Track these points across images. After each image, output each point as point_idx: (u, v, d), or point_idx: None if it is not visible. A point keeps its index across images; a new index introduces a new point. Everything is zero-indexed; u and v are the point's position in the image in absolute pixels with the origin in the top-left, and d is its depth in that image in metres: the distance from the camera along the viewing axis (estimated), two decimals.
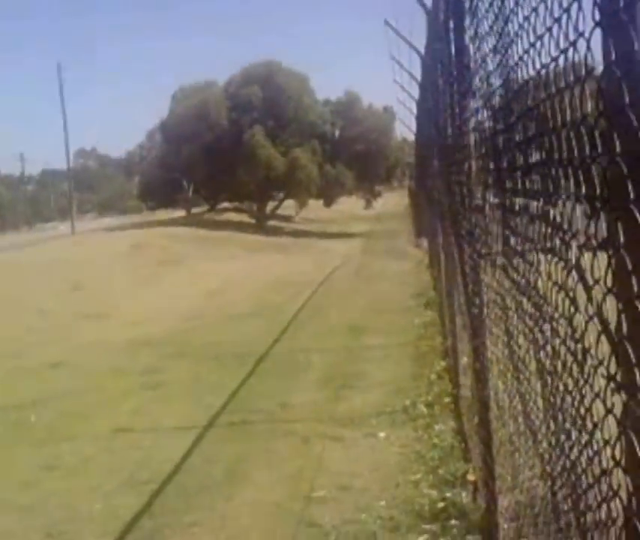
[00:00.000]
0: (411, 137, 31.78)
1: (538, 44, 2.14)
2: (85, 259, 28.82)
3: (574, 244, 1.89)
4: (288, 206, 57.39)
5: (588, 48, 1.63)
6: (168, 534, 5.88)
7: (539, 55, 2.15)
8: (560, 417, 2.26)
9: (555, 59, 1.94)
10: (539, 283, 2.41)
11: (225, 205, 56.48)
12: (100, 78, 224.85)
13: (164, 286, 23.17)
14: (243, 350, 12.33)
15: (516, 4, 2.50)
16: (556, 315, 2.16)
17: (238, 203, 54.90)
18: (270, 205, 54.01)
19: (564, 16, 1.78)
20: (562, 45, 1.84)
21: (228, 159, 46.18)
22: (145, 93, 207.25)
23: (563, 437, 2.25)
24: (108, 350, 13.61)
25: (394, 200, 67.15)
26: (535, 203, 2.51)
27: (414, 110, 19.84)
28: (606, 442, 1.69)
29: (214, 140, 47.01)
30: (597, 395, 1.72)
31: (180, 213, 58.34)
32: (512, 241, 3.05)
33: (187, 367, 11.62)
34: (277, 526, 5.86)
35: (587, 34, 1.63)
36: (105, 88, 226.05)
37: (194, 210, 58.88)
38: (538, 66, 2.18)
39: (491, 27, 3.21)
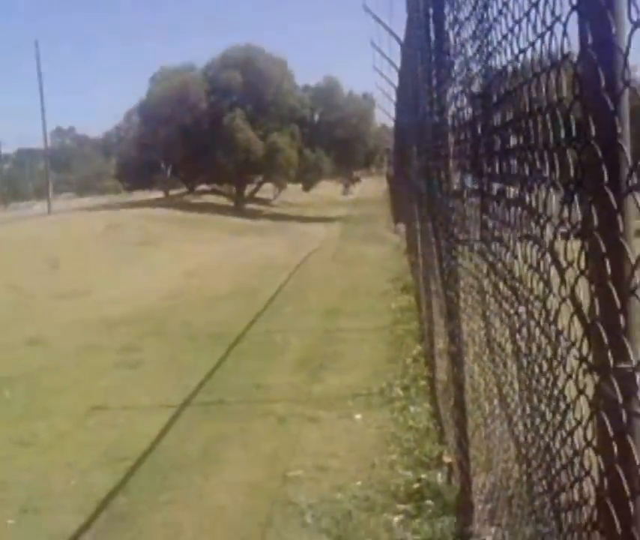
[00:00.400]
0: (390, 124, 31.89)
1: (516, 29, 2.17)
2: (61, 238, 28.63)
3: (548, 227, 1.93)
4: (267, 190, 57.34)
5: (565, 33, 1.66)
6: (143, 510, 5.90)
7: (517, 40, 2.18)
8: (534, 398, 2.30)
9: (532, 44, 1.97)
10: (516, 266, 2.45)
11: (204, 187, 56.33)
12: (78, 57, 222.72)
13: (141, 266, 23.07)
14: (220, 331, 12.35)
15: None
16: (531, 297, 2.20)
17: (217, 186, 54.75)
18: (249, 189, 53.93)
19: (542, 1, 1.81)
20: (539, 30, 1.87)
21: (207, 141, 46.05)
22: (125, 74, 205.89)
23: (537, 419, 2.29)
24: (84, 328, 13.58)
25: (372, 186, 67.22)
26: (512, 188, 2.55)
27: (394, 97, 19.85)
28: (578, 423, 1.73)
29: (193, 123, 46.86)
30: (570, 376, 1.76)
31: (157, 194, 58.08)
32: (490, 225, 3.09)
33: (164, 347, 11.62)
34: (253, 505, 5.89)
35: (563, 19, 1.66)
36: (83, 68, 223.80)
37: (172, 191, 58.64)
38: (516, 51, 2.21)
39: (470, 13, 3.24)
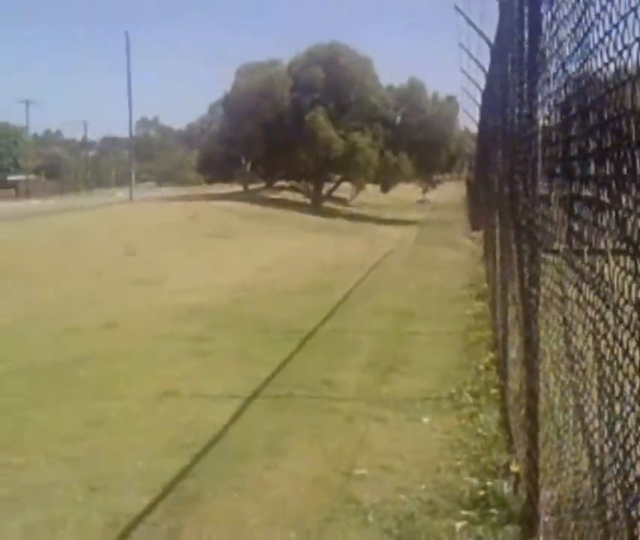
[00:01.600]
0: (473, 128, 31.56)
1: (621, 26, 2.10)
2: (141, 226, 29.17)
3: None
4: (345, 189, 57.35)
5: None
6: (209, 496, 5.94)
7: (622, 38, 2.10)
8: (617, 407, 2.23)
9: (638, 40, 1.90)
10: (606, 270, 2.38)
11: (282, 183, 56.65)
12: (166, 50, 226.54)
13: (217, 257, 23.35)
14: (291, 326, 12.40)
15: None
16: (621, 303, 2.13)
17: (295, 182, 55.00)
18: (327, 187, 54.03)
19: None
20: None
21: (288, 138, 46.24)
22: (210, 68, 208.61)
23: (617, 427, 2.23)
24: (158, 316, 13.78)
25: (451, 190, 66.72)
26: (605, 191, 2.47)
27: (479, 100, 19.66)
28: None
29: (275, 118, 47.11)
30: None
31: (237, 188, 58.68)
32: (578, 229, 3.01)
33: (235, 338, 11.70)
34: (316, 499, 5.88)
35: None
36: (171, 60, 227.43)
37: (251, 186, 59.16)
38: (619, 49, 2.14)
39: (570, 11, 3.16)
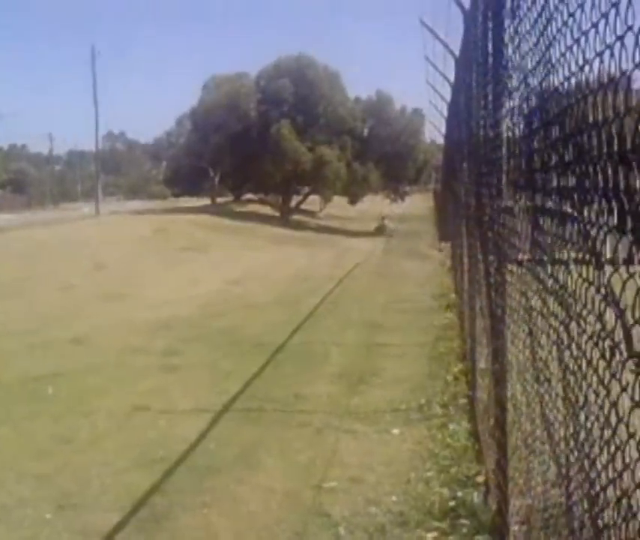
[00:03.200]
0: (440, 140, 31.74)
1: (582, 40, 2.13)
2: (108, 240, 29.03)
3: (608, 239, 1.88)
4: (313, 202, 57.41)
5: (637, 43, 1.62)
6: (178, 512, 5.91)
7: (583, 51, 2.13)
8: (582, 416, 2.26)
9: (600, 54, 1.93)
10: (569, 281, 2.40)
11: (250, 196, 56.61)
12: (131, 64, 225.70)
13: (186, 271, 23.25)
14: (261, 339, 12.38)
15: (561, 1, 2.49)
16: (584, 313, 2.15)
17: (263, 195, 54.97)
18: (295, 200, 54.06)
19: (612, 11, 1.77)
20: (608, 40, 1.82)
21: (256, 150, 46.26)
22: (176, 82, 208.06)
23: (582, 435, 2.25)
24: (127, 330, 13.70)
25: (417, 203, 67.01)
26: (568, 203, 2.50)
27: (445, 113, 19.80)
28: (631, 436, 1.69)
29: (243, 131, 47.11)
30: (624, 389, 1.72)
31: (204, 201, 58.54)
32: (542, 241, 3.04)
33: (205, 352, 11.66)
34: (287, 513, 5.87)
35: (635, 29, 1.62)
36: (135, 75, 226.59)
37: (219, 199, 59.06)
38: (581, 62, 2.17)
39: (532, 26, 3.20)
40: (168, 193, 72.69)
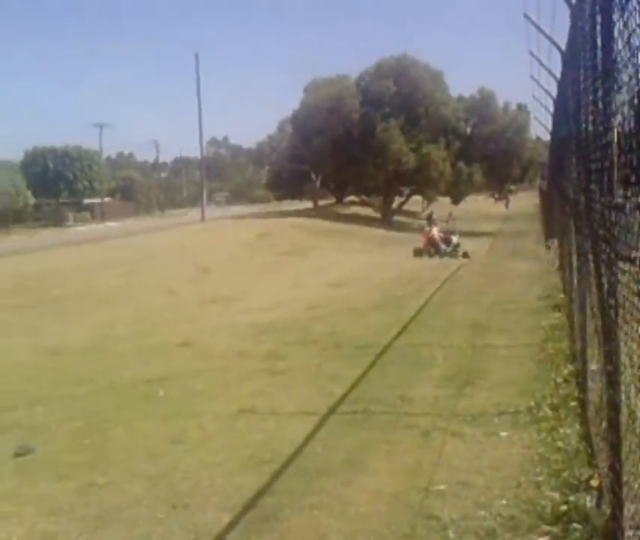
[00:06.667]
0: (546, 136, 31.10)
1: None
2: (213, 245, 29.58)
3: None
4: (415, 202, 57.16)
5: None
6: (288, 513, 5.97)
7: None
8: None
9: None
10: None
11: (352, 198, 56.79)
12: (235, 69, 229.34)
13: (289, 274, 23.52)
14: (365, 341, 12.40)
15: None
16: None
17: (365, 197, 55.05)
18: (397, 201, 53.95)
19: None
20: None
21: (357, 152, 46.44)
22: (279, 86, 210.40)
23: None
24: (232, 334, 13.94)
25: (523, 201, 65.90)
26: None
27: (551, 108, 19.41)
28: None
29: (344, 133, 47.35)
30: None
31: (306, 204, 59.05)
32: None
33: (309, 355, 11.74)
34: (395, 515, 5.85)
35: None
36: (239, 80, 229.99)
37: (321, 202, 59.44)
38: None
39: None
40: (271, 196, 73.63)
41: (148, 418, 8.86)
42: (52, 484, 6.92)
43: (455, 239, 32.78)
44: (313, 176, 55.71)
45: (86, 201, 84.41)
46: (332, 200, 59.76)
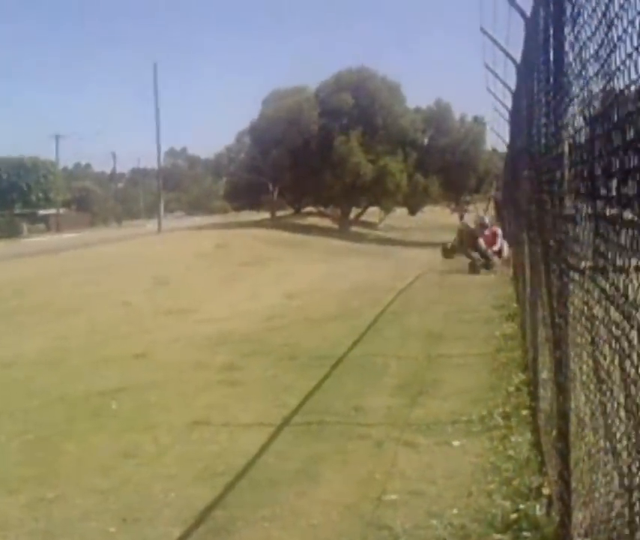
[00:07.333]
0: (502, 148, 31.40)
1: None
2: (170, 256, 29.42)
3: None
4: (372, 213, 57.40)
5: None
6: (240, 526, 5.93)
7: None
8: None
9: None
10: (630, 290, 2.37)
11: (309, 209, 56.87)
12: (192, 79, 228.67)
13: (246, 285, 23.43)
14: (321, 352, 12.39)
15: (621, 7, 2.47)
16: None
17: (322, 208, 55.17)
18: (355, 212, 54.15)
19: None
20: None
21: (316, 164, 46.52)
22: (237, 96, 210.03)
23: None
24: (189, 345, 13.84)
25: (479, 211, 66.46)
26: (630, 210, 2.47)
27: (506, 119, 19.64)
28: None
29: (303, 144, 47.42)
30: None
31: (264, 215, 59.00)
32: (603, 248, 3.00)
33: (265, 366, 11.70)
34: (348, 526, 5.85)
35: None
36: (197, 90, 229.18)
37: (278, 213, 59.44)
38: None
39: (592, 32, 3.16)
40: (229, 207, 73.39)
41: (101, 431, 8.74)
42: (2, 499, 6.79)
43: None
44: (271, 187, 55.70)
45: (41, 212, 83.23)
46: (290, 211, 59.82)
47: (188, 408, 9.52)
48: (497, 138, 29.61)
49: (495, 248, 25.15)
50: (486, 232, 25.72)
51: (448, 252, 29.15)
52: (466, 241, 26.53)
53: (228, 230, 41.25)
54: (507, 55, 11.53)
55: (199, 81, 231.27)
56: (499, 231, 25.70)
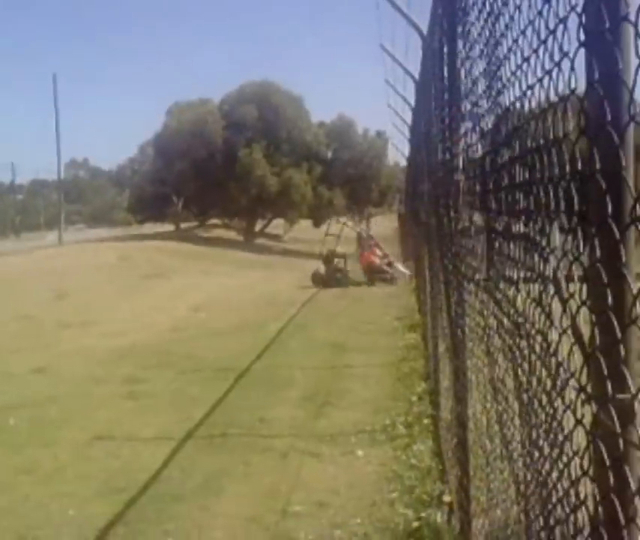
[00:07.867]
0: (403, 162, 31.92)
1: (525, 66, 2.19)
2: (71, 269, 28.79)
3: (552, 258, 1.93)
4: (277, 225, 57.45)
5: (572, 68, 1.67)
6: None
7: (526, 76, 2.19)
8: (534, 433, 2.29)
9: (540, 80, 1.98)
10: (519, 300, 2.45)
11: (214, 221, 56.53)
12: (94, 90, 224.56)
13: (149, 298, 23.13)
14: (225, 364, 12.33)
15: (506, 27, 2.56)
16: (532, 331, 2.20)
17: (227, 220, 54.93)
18: (260, 224, 54.10)
19: (550, 38, 1.83)
20: (547, 66, 1.88)
21: (220, 176, 46.29)
22: (139, 107, 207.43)
23: (536, 453, 2.28)
24: (90, 358, 13.58)
25: (383, 224, 67.23)
26: (517, 223, 2.55)
27: (407, 134, 19.97)
28: (575, 453, 1.72)
29: (207, 156, 47.14)
30: (568, 407, 1.76)
31: (169, 227, 58.31)
32: (495, 260, 3.09)
33: (168, 379, 11.59)
34: (252, 539, 5.85)
35: (571, 55, 1.67)
36: (98, 101, 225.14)
37: (183, 225, 58.85)
38: (525, 87, 2.22)
39: (481, 50, 3.27)
40: (132, 220, 72.28)
41: None
42: None
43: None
44: (175, 199, 55.13)
45: None
46: (195, 223, 59.31)
47: (89, 423, 9.35)
48: (398, 153, 30.11)
49: (387, 261, 26.15)
50: (372, 243, 27.48)
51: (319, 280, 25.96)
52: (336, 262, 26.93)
53: (131, 242, 40.65)
54: (406, 71, 11.76)
55: (101, 92, 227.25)
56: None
